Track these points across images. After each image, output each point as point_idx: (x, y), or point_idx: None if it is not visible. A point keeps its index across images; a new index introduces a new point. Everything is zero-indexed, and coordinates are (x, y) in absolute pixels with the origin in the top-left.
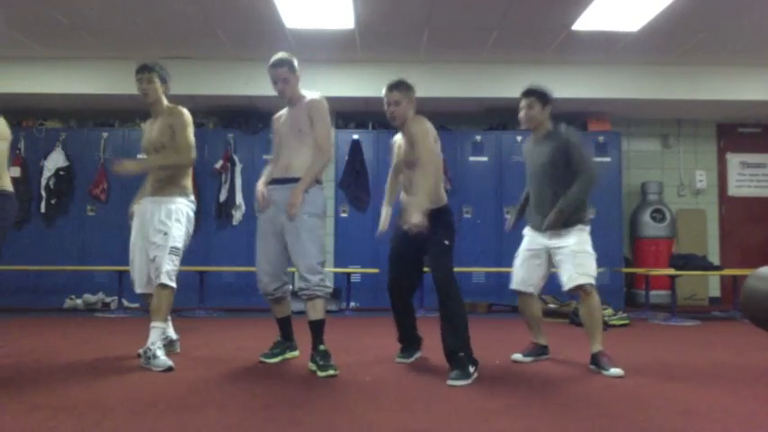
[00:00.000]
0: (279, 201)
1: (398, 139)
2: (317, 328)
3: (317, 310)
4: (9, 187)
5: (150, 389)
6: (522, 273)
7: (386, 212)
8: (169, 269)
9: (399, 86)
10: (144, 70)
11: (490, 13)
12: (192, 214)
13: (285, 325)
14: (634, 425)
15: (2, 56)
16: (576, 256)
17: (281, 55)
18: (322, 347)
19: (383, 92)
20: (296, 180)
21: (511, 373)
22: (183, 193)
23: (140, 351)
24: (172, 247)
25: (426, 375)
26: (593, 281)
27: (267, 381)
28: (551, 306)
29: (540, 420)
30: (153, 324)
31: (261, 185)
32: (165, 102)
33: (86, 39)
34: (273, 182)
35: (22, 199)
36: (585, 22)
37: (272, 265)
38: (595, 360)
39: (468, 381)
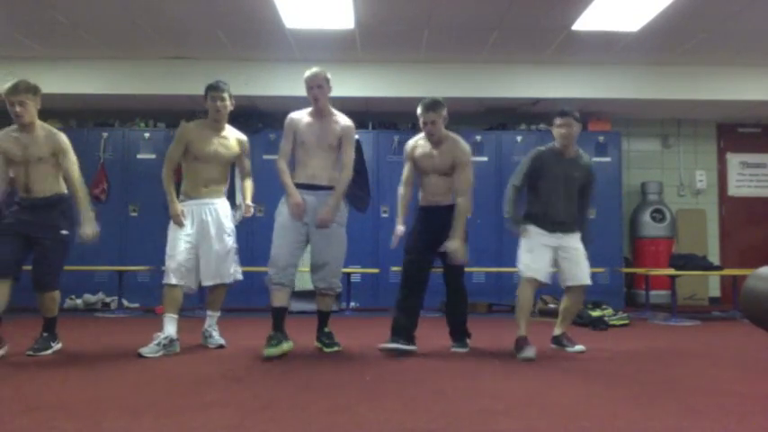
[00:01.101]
0: (307, 204)
1: (418, 146)
2: (325, 316)
3: (328, 305)
4: (65, 190)
5: (150, 389)
6: (545, 266)
7: (400, 226)
8: (234, 270)
9: (434, 107)
10: (218, 89)
11: (490, 13)
12: None
13: (280, 316)
14: (634, 424)
15: (2, 56)
16: (583, 257)
17: (319, 68)
18: (327, 330)
19: (419, 110)
20: (320, 188)
21: (511, 373)
22: (224, 196)
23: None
24: (235, 248)
25: (426, 375)
26: None
27: (267, 381)
28: (551, 306)
29: (540, 420)
30: (214, 313)
31: (298, 196)
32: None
33: (86, 39)
34: (299, 186)
35: None
36: (585, 22)
37: (293, 257)
38: (559, 340)
39: (467, 349)
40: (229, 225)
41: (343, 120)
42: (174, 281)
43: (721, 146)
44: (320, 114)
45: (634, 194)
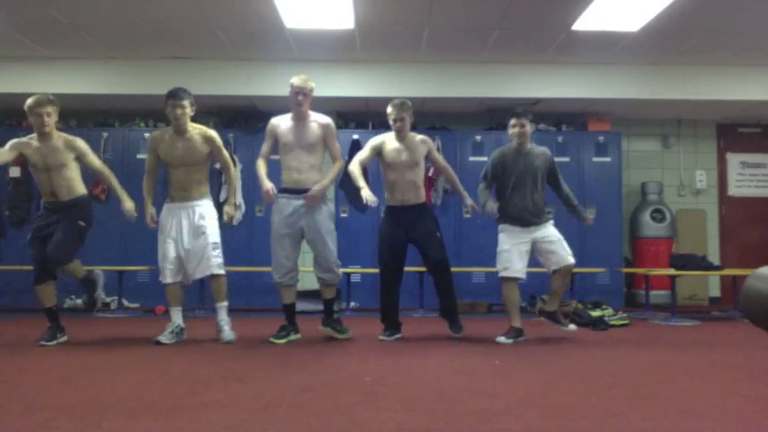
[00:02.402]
0: (296, 209)
1: (387, 141)
2: (330, 303)
3: (331, 292)
4: (85, 191)
5: (150, 389)
6: (520, 263)
7: (369, 193)
8: (219, 261)
9: (404, 106)
10: (175, 97)
11: (490, 13)
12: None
13: (291, 310)
14: (634, 425)
15: (2, 56)
16: (562, 241)
17: (306, 76)
18: (336, 316)
19: (389, 109)
20: (307, 191)
21: (511, 373)
22: (206, 196)
23: (157, 339)
24: (213, 243)
25: (426, 375)
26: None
27: (267, 381)
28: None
29: (540, 420)
30: (219, 305)
31: (267, 184)
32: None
33: (86, 39)
34: (285, 191)
35: (22, 199)
36: (585, 22)
37: (289, 260)
38: (554, 317)
39: (463, 333)
40: (205, 224)
41: (322, 119)
42: (168, 280)
43: (721, 146)
44: (301, 118)
45: (634, 194)
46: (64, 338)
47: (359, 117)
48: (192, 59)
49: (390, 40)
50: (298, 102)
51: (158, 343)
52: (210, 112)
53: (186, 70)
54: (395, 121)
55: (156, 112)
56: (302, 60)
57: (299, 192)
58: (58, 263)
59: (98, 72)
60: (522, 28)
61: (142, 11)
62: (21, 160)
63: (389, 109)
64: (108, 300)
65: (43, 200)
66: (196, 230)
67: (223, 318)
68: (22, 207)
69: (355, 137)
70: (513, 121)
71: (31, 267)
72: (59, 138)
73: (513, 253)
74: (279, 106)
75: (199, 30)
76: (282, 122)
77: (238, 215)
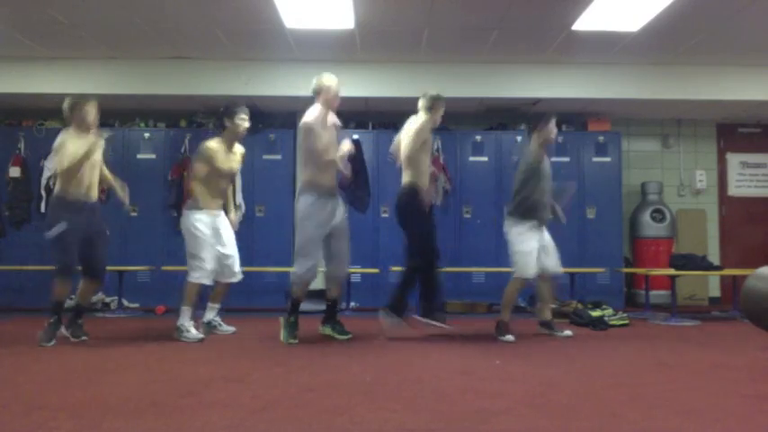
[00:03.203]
0: (330, 210)
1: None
2: (336, 303)
3: (338, 290)
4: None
5: (150, 389)
6: (536, 263)
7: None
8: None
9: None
10: (246, 113)
11: (490, 13)
12: None
13: (297, 308)
14: (634, 425)
15: (2, 56)
16: (556, 250)
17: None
18: (338, 318)
19: (441, 104)
20: (334, 188)
21: (511, 373)
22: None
23: (205, 321)
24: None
25: (426, 375)
26: None
27: (267, 381)
28: (552, 306)
29: (540, 420)
30: (217, 305)
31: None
32: None
33: (86, 39)
34: (322, 193)
35: (22, 199)
36: (585, 22)
37: (319, 261)
38: (548, 325)
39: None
40: (233, 235)
41: (335, 118)
42: (208, 282)
43: (721, 146)
44: (333, 119)
45: (634, 194)
46: (63, 332)
47: (359, 117)
48: (192, 59)
49: (390, 41)
50: (335, 104)
51: (200, 340)
52: (211, 112)
53: (186, 70)
54: (441, 115)
55: (157, 111)
56: (302, 60)
57: (332, 192)
58: (104, 277)
59: (98, 72)
60: (522, 28)
61: (142, 11)
62: (21, 159)
63: (441, 103)
64: (108, 300)
65: (71, 195)
66: (232, 238)
67: (215, 317)
68: (22, 207)
69: (355, 137)
70: (552, 125)
71: (31, 267)
72: (95, 135)
73: (534, 255)
74: (279, 106)
75: (199, 30)
76: (319, 123)
77: (238, 216)
